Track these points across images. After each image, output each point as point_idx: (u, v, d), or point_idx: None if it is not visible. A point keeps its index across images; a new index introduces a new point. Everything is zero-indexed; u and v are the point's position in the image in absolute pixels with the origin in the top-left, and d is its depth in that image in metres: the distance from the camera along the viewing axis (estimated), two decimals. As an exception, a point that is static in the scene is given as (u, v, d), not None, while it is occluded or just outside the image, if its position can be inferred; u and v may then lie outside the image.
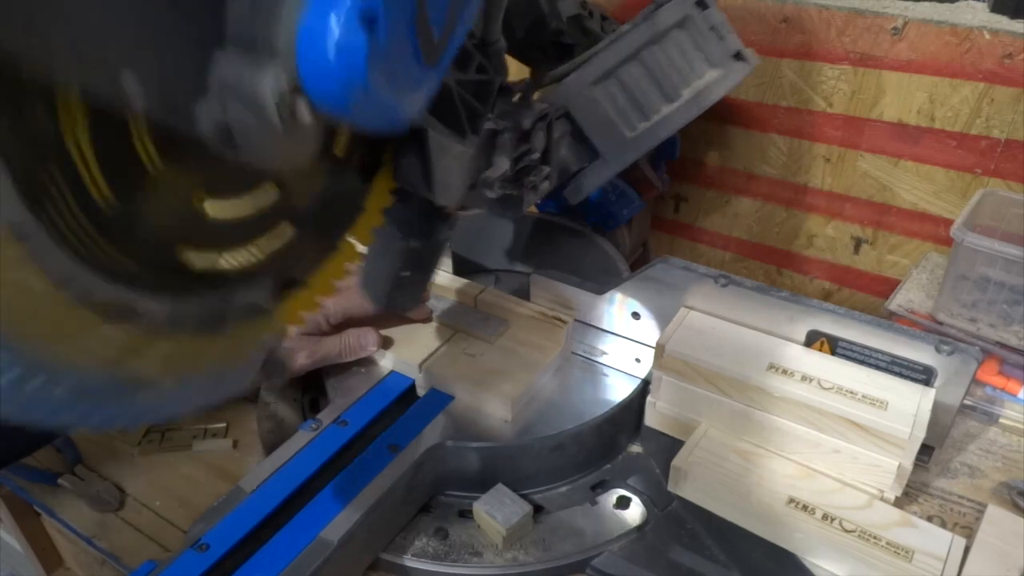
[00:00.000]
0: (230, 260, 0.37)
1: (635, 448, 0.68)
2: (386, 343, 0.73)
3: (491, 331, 0.73)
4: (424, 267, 0.61)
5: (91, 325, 0.29)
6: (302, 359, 0.69)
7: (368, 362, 0.73)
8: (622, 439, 0.68)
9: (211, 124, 0.30)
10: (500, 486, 0.60)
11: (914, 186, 0.88)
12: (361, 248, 0.47)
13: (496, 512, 0.58)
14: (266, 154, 0.32)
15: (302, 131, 0.32)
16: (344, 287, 0.74)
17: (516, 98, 0.61)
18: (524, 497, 0.62)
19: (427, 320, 0.76)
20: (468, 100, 0.51)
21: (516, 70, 0.62)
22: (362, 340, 0.72)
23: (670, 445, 0.64)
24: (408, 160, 0.49)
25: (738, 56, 0.73)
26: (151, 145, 0.30)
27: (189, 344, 0.35)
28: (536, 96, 0.66)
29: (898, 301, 0.80)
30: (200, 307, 0.35)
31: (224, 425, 0.73)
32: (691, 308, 0.66)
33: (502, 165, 0.60)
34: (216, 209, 0.35)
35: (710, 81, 0.73)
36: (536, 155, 0.65)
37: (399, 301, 0.60)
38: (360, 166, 0.46)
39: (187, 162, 0.32)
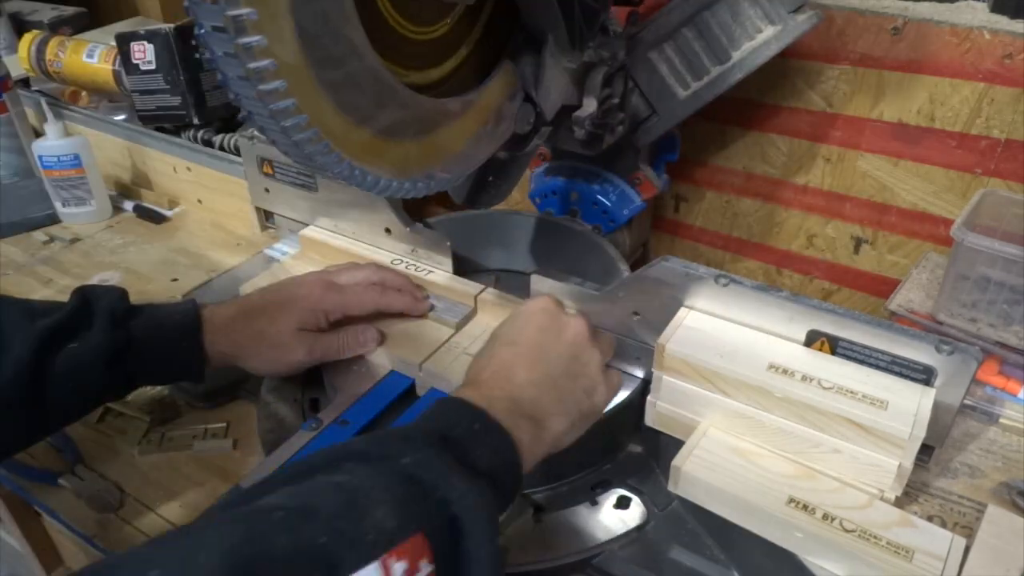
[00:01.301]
0: (438, 72, 0.57)
1: (635, 448, 0.68)
2: (385, 342, 0.73)
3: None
4: (508, 176, 0.69)
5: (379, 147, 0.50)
6: (300, 355, 0.69)
7: (368, 361, 0.73)
8: (622, 439, 0.68)
9: None
10: None
11: (914, 186, 0.88)
12: (469, 142, 0.58)
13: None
14: None
15: None
16: (344, 285, 0.74)
17: (611, 38, 0.72)
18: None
19: (425, 316, 0.76)
20: (580, 18, 0.62)
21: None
22: (361, 337, 0.72)
23: (670, 445, 0.64)
24: (526, 58, 0.62)
25: (798, 10, 0.76)
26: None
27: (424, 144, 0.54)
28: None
29: (898, 301, 0.80)
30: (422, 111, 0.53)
31: (224, 425, 0.73)
32: (691, 308, 0.66)
33: (591, 105, 0.71)
34: (420, 33, 0.54)
35: (764, 40, 0.77)
36: (616, 100, 0.77)
37: (480, 200, 0.70)
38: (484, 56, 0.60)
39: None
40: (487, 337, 0.61)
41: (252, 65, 0.39)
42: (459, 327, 0.75)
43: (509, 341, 0.58)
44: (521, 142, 0.66)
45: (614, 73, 0.75)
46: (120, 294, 0.65)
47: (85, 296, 0.63)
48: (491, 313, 0.77)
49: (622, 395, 0.67)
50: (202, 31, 0.40)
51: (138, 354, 0.63)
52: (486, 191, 0.70)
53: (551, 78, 0.63)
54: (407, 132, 0.52)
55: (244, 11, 0.38)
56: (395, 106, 0.50)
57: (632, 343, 0.69)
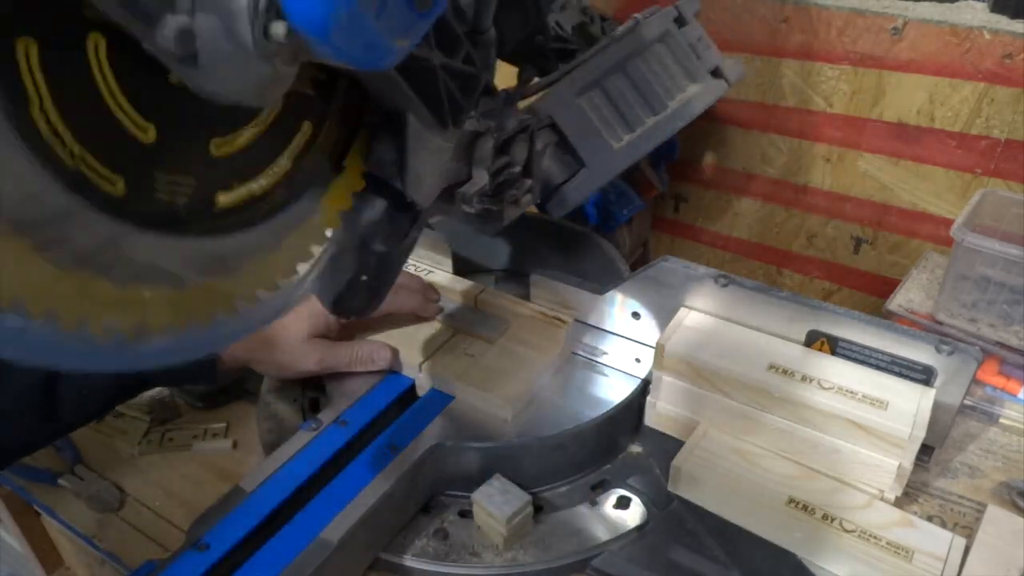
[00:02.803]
0: (259, 184, 0.37)
1: (635, 448, 0.68)
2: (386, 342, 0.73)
3: (491, 331, 0.73)
4: (385, 273, 0.55)
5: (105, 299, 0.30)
6: (311, 365, 0.69)
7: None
8: (622, 439, 0.68)
9: (174, 32, 0.26)
10: (498, 475, 0.60)
11: (914, 186, 0.88)
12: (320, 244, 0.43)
13: (495, 506, 0.58)
14: (230, 78, 0.29)
15: (272, 54, 0.28)
16: None
17: (500, 101, 0.59)
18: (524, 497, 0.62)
19: (433, 317, 0.76)
20: (452, 89, 0.48)
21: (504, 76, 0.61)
22: (374, 355, 0.71)
23: (670, 445, 0.64)
24: (383, 145, 0.47)
25: (716, 73, 0.73)
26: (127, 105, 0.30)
27: (197, 292, 0.35)
28: (520, 106, 0.64)
29: (898, 301, 0.80)
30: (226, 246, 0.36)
31: (224, 425, 0.73)
32: (691, 308, 0.66)
33: (481, 178, 0.58)
34: (221, 148, 0.35)
35: (692, 94, 0.73)
36: (517, 168, 0.63)
37: (350, 305, 0.54)
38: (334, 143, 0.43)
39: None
40: None
41: None
42: (459, 327, 0.75)
43: None
44: (396, 237, 0.52)
45: (512, 137, 0.62)
46: None
47: None
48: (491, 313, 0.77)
49: (622, 395, 0.67)
50: None
51: None
52: (358, 294, 0.54)
53: (420, 163, 0.49)
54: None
55: None
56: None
57: (632, 343, 0.69)
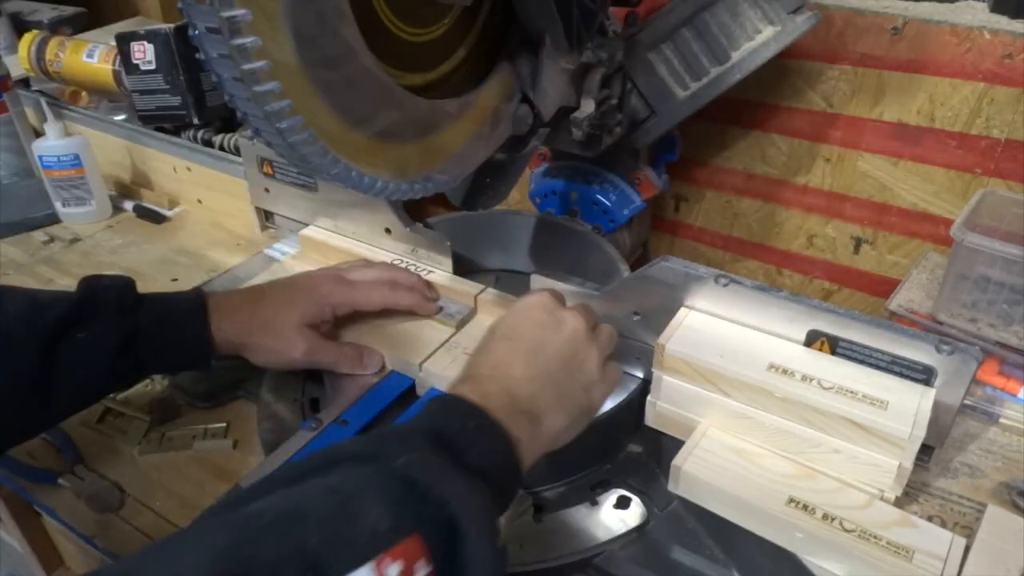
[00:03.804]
0: (435, 74, 0.58)
1: (635, 448, 0.68)
2: (386, 342, 0.73)
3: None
4: (506, 178, 0.68)
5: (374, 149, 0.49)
6: (299, 353, 0.69)
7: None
8: (622, 439, 0.68)
9: None
10: None
11: (914, 186, 0.88)
12: (466, 144, 0.58)
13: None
14: None
15: None
16: (354, 280, 0.74)
17: (610, 40, 0.72)
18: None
19: (432, 315, 0.76)
20: (579, 20, 0.62)
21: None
22: (365, 359, 0.71)
23: (670, 445, 0.64)
24: (523, 59, 0.62)
25: (798, 11, 0.75)
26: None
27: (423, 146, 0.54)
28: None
29: (898, 301, 0.80)
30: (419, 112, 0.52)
31: (224, 425, 0.73)
32: (691, 308, 0.66)
33: (589, 106, 0.71)
34: (417, 35, 0.54)
35: (763, 41, 0.77)
36: (614, 101, 0.76)
37: (478, 202, 0.69)
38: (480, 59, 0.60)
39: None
40: None
41: (246, 67, 0.39)
42: (459, 327, 0.75)
43: (505, 336, 0.57)
44: (519, 143, 0.65)
45: (612, 74, 0.75)
46: (127, 282, 0.65)
47: (91, 286, 0.63)
48: (491, 313, 0.77)
49: (622, 395, 0.67)
50: (196, 32, 0.40)
51: (146, 342, 0.63)
52: (483, 193, 0.69)
53: (548, 79, 0.63)
54: (404, 134, 0.52)
55: (238, 12, 0.37)
56: (392, 108, 0.49)
57: (632, 343, 0.69)
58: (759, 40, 0.77)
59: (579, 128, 0.71)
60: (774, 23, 0.76)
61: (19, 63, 1.26)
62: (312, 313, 0.70)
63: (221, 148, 1.05)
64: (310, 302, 0.70)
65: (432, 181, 0.56)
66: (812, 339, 0.61)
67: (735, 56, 0.78)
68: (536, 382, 0.53)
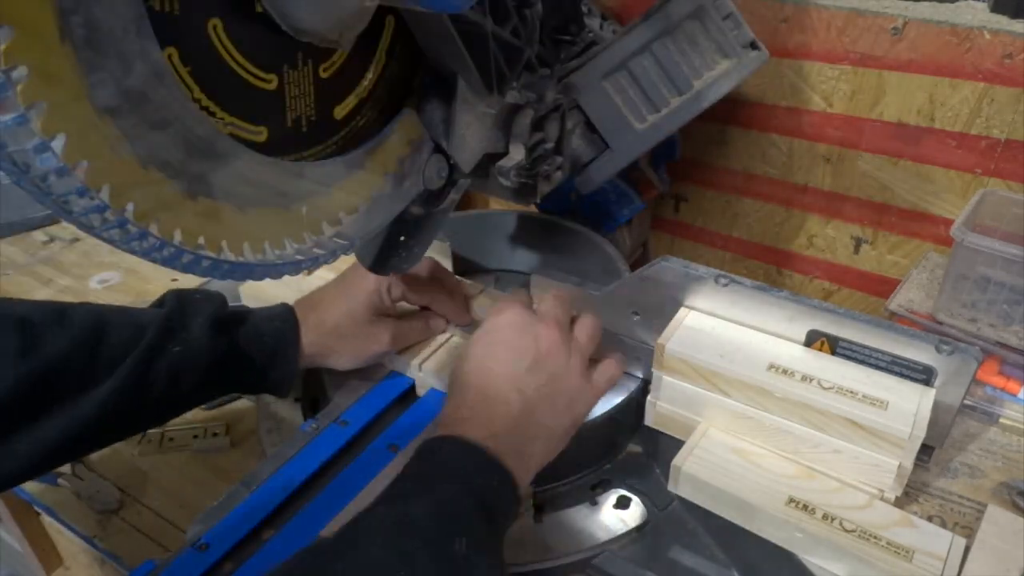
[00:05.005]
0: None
1: (635, 448, 0.68)
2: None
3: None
4: (423, 235, 0.59)
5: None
6: (384, 344, 0.68)
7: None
8: (622, 439, 0.68)
9: None
10: None
11: (914, 186, 0.88)
12: (363, 205, 0.48)
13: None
14: (320, 9, 0.36)
15: None
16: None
17: (539, 77, 0.64)
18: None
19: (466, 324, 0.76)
20: (499, 58, 0.53)
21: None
22: (432, 324, 0.73)
23: (670, 445, 0.64)
24: (433, 104, 0.52)
25: (753, 45, 0.73)
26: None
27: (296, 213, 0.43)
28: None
29: (898, 301, 0.80)
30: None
31: (224, 425, 0.73)
32: (691, 308, 0.66)
33: (518, 152, 0.62)
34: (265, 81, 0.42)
35: (722, 72, 0.73)
36: (550, 144, 0.67)
37: (390, 264, 0.59)
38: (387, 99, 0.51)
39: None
40: None
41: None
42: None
43: (480, 368, 0.55)
44: (435, 198, 0.57)
45: (546, 115, 0.66)
46: (220, 300, 0.62)
47: (181, 300, 0.60)
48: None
49: (622, 395, 0.67)
50: None
51: (237, 363, 0.61)
52: (396, 254, 0.59)
53: (466, 125, 0.54)
54: (264, 200, 0.41)
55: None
56: (232, 171, 0.39)
57: (632, 343, 0.69)
58: (718, 71, 0.73)
59: (506, 178, 0.62)
60: (729, 56, 0.73)
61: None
62: (375, 302, 0.68)
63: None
64: (370, 291, 0.68)
65: (324, 248, 0.46)
66: (812, 339, 0.61)
67: (697, 85, 0.73)
68: (518, 419, 0.53)
